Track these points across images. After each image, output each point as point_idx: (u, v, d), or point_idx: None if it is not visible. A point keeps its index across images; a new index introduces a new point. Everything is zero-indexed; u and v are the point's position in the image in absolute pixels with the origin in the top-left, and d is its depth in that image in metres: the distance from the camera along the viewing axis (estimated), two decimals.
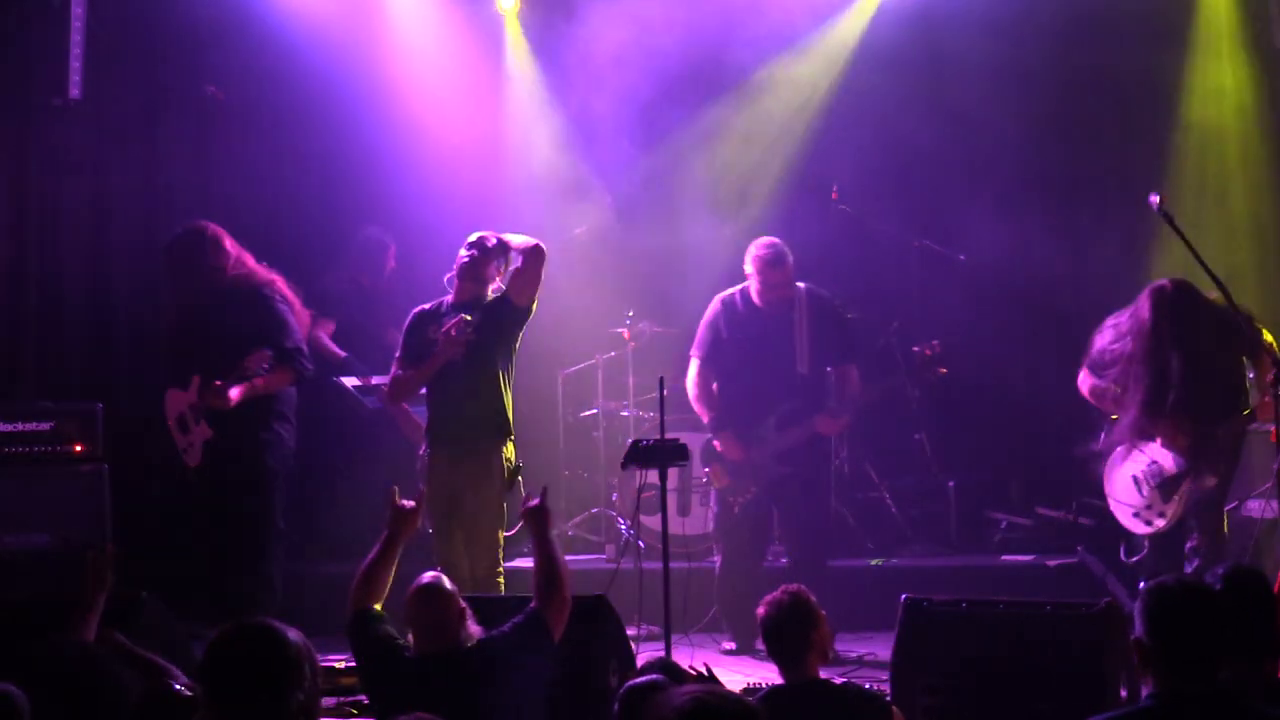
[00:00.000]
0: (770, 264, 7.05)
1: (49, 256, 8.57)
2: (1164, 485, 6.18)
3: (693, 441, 6.77)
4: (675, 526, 6.57)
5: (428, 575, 4.62)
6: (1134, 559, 6.35)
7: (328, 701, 5.62)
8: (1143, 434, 6.26)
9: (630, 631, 5.68)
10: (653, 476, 5.81)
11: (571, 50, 8.83)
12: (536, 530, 4.79)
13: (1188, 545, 6.21)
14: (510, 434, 6.53)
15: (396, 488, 4.94)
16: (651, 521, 7.60)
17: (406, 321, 6.73)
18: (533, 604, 4.70)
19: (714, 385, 7.25)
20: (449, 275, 6.62)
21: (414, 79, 8.91)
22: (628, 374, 8.55)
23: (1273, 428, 5.91)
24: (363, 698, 5.52)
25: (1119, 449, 6.39)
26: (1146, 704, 3.19)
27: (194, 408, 6.81)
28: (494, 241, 6.58)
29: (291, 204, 8.95)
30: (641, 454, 5.84)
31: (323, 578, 7.56)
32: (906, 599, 5.36)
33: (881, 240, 8.72)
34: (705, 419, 7.24)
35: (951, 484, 8.56)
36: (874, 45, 8.83)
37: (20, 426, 7.42)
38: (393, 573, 4.79)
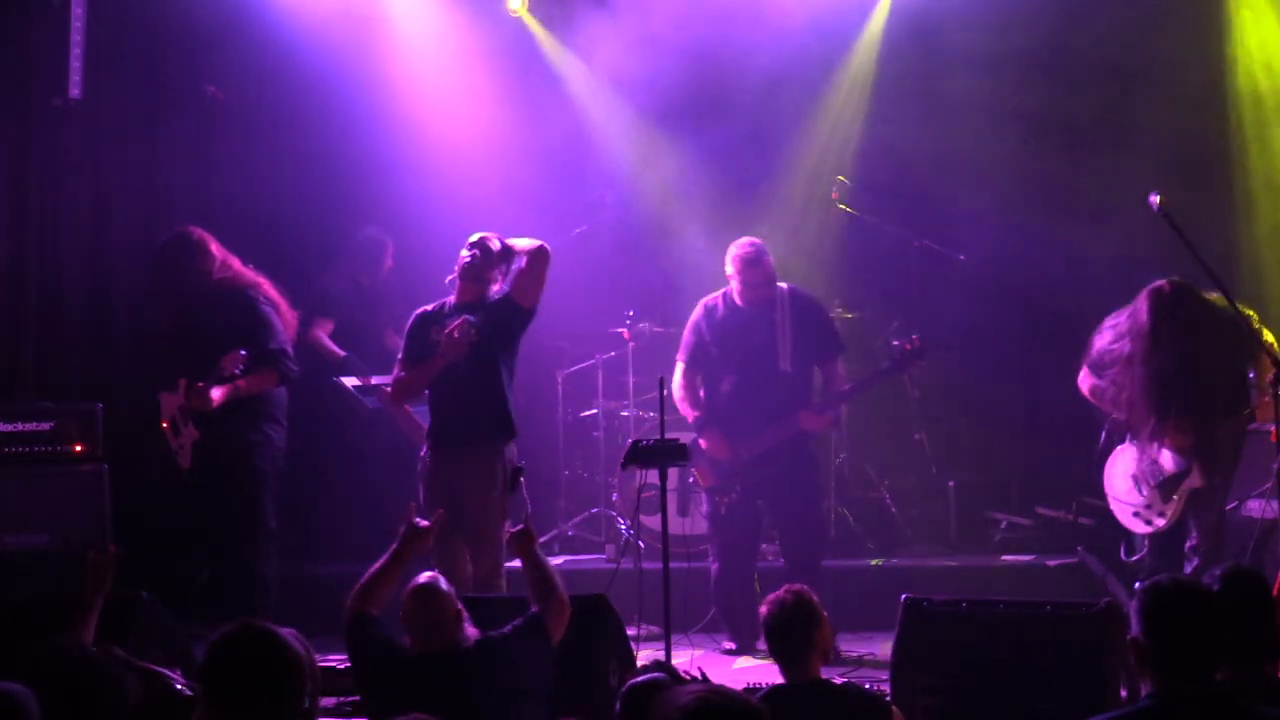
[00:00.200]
0: (749, 263, 7.08)
1: (49, 256, 8.57)
2: (1163, 485, 6.19)
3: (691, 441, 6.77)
4: (675, 526, 6.57)
5: (425, 575, 4.64)
6: (1134, 558, 6.35)
7: (327, 701, 5.62)
8: (1142, 434, 6.26)
9: (630, 631, 5.68)
10: (653, 476, 5.81)
11: (572, 50, 8.83)
12: (523, 553, 4.92)
13: (1187, 545, 6.21)
14: (513, 434, 6.53)
15: (414, 504, 5.01)
16: (651, 521, 7.60)
17: (409, 322, 6.73)
18: (533, 608, 4.73)
19: (699, 387, 7.27)
20: (450, 277, 6.62)
21: (414, 79, 8.92)
22: (628, 374, 8.56)
23: (1273, 428, 5.91)
24: None
25: (1119, 448, 6.40)
26: (1145, 704, 3.19)
27: (182, 410, 6.86)
28: (497, 245, 6.57)
29: (291, 204, 8.95)
30: (641, 454, 5.85)
31: (323, 578, 7.57)
32: (906, 599, 5.35)
33: (881, 240, 8.71)
34: (690, 419, 7.25)
35: (951, 484, 8.56)
36: (874, 45, 8.84)
37: (20, 426, 7.42)
38: (395, 585, 4.82)
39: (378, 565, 4.83)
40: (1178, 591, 3.26)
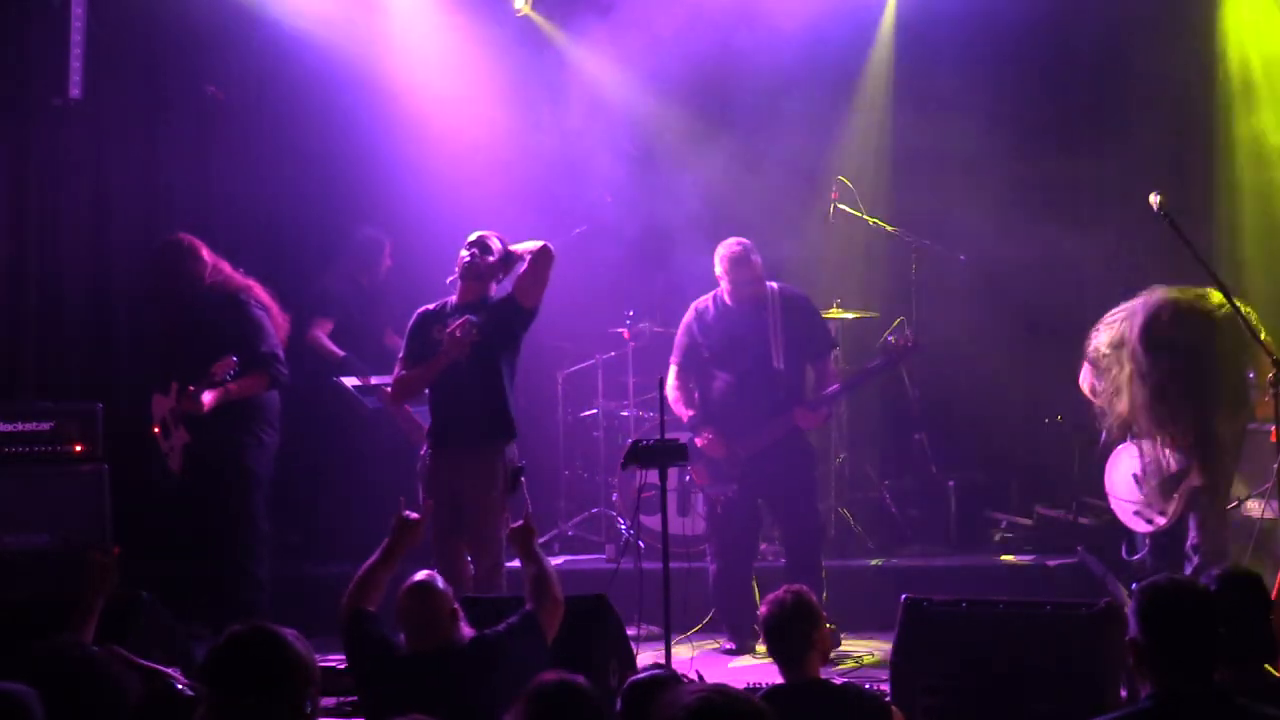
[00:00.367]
0: (737, 262, 7.10)
1: (49, 256, 8.57)
2: (1164, 483, 6.18)
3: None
4: (675, 526, 6.58)
5: (421, 573, 4.65)
6: (1135, 557, 6.35)
7: (327, 701, 5.62)
8: (1143, 433, 6.26)
9: (630, 631, 5.68)
10: (653, 476, 5.81)
11: (574, 50, 8.83)
12: (524, 548, 4.95)
13: (1187, 544, 6.20)
14: (513, 434, 6.53)
15: (404, 498, 5.01)
16: (651, 521, 7.60)
17: (410, 322, 6.73)
18: (527, 605, 4.74)
19: (693, 388, 7.28)
20: (451, 278, 6.62)
21: (414, 79, 8.91)
22: (628, 374, 8.56)
23: (1273, 428, 5.91)
24: None
25: (1119, 447, 6.39)
26: (1145, 705, 3.19)
27: (173, 412, 6.89)
28: (497, 244, 6.57)
29: (291, 204, 8.95)
30: (641, 454, 5.85)
31: (323, 578, 7.57)
32: (906, 599, 5.36)
33: (881, 240, 8.71)
34: (685, 419, 7.25)
35: (951, 484, 8.56)
36: (873, 47, 8.85)
37: (20, 426, 7.43)
38: (388, 580, 4.86)
39: (371, 561, 4.86)
40: (1175, 591, 3.26)
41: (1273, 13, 8.47)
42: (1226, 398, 6.22)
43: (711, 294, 7.30)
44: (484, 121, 8.83)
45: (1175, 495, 6.17)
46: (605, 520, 8.48)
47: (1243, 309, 6.09)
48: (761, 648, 6.55)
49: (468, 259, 6.53)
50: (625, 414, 8.58)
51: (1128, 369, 6.19)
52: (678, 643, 6.31)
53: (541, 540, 8.15)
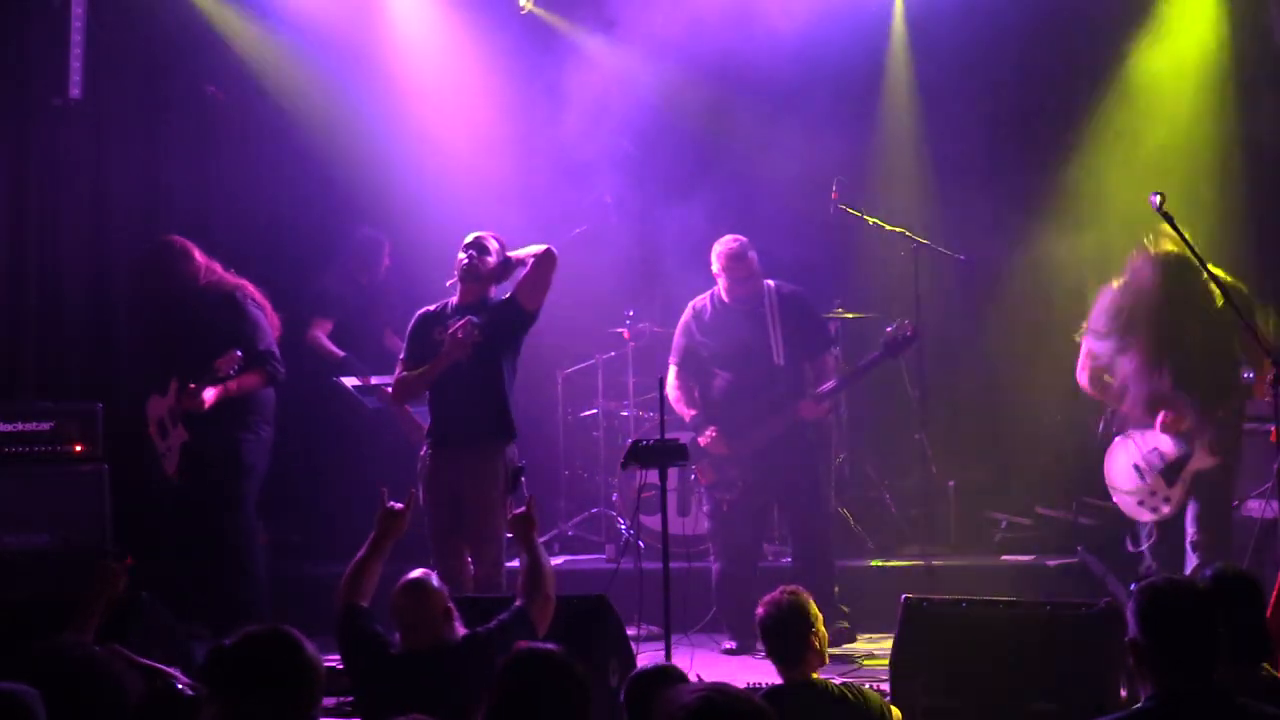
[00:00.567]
0: (734, 258, 7.12)
1: (49, 256, 8.58)
2: (1167, 470, 6.16)
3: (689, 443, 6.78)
4: (675, 526, 6.57)
5: (417, 571, 4.66)
6: (1142, 547, 6.31)
7: (327, 701, 5.62)
8: (1143, 410, 6.23)
9: (630, 631, 5.69)
10: (653, 476, 5.81)
11: (573, 50, 8.83)
12: (523, 536, 4.95)
13: (1187, 540, 6.18)
14: (513, 435, 6.54)
15: (386, 489, 5.03)
16: (651, 521, 7.61)
17: (411, 323, 6.74)
18: (518, 602, 4.76)
19: (693, 387, 7.28)
20: (451, 281, 6.64)
21: (414, 79, 8.92)
22: (628, 374, 8.56)
23: (1273, 428, 5.91)
24: None
25: (1116, 441, 6.37)
26: (1146, 705, 3.19)
27: (172, 411, 6.90)
28: (494, 244, 6.58)
29: (291, 204, 8.95)
30: (641, 454, 5.85)
31: (323, 578, 7.54)
32: (906, 599, 5.35)
33: (881, 240, 8.70)
34: (687, 418, 7.26)
35: (951, 484, 8.56)
36: (872, 45, 8.84)
37: (20, 426, 7.44)
38: (379, 571, 4.88)
39: (360, 554, 4.89)
40: (1174, 592, 3.26)
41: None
42: (1222, 378, 6.18)
43: (709, 293, 7.31)
44: (484, 121, 8.83)
45: (1179, 481, 6.15)
46: (605, 520, 8.48)
47: (1243, 288, 6.10)
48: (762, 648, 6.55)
49: (466, 261, 6.54)
50: (625, 414, 8.58)
51: (1132, 308, 6.18)
52: (678, 643, 6.30)
53: (541, 540, 8.18)
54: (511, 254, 6.61)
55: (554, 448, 8.72)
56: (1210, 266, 6.02)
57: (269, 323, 7.13)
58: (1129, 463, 6.28)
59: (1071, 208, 8.68)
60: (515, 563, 6.96)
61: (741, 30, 8.71)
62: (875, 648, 7.01)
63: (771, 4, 8.66)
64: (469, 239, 6.61)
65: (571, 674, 3.27)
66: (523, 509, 5.02)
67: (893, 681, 5.26)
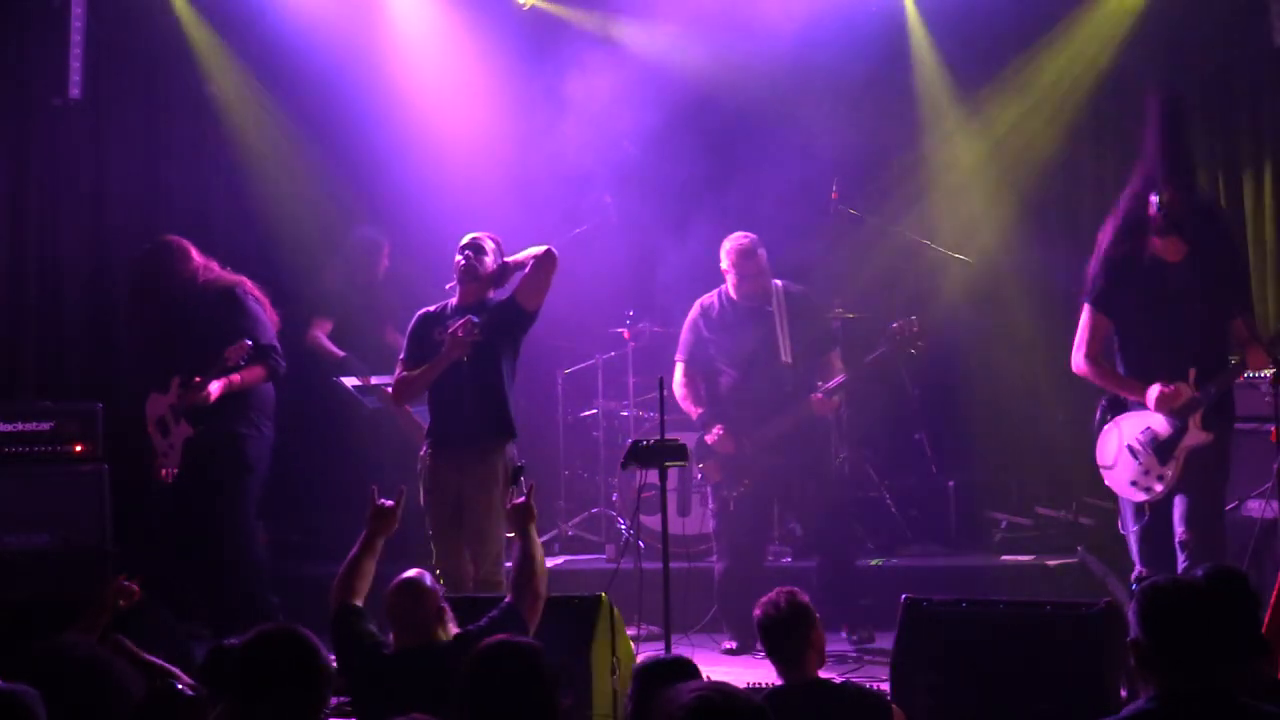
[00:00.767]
0: (745, 254, 7.15)
1: (49, 256, 8.58)
2: (1160, 448, 6.15)
3: (692, 442, 6.79)
4: (675, 526, 6.58)
5: (411, 571, 4.67)
6: (1132, 529, 6.29)
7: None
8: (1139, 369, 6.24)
9: (630, 631, 5.69)
10: (653, 476, 5.81)
11: (574, 49, 8.83)
12: (521, 526, 4.95)
13: (1176, 539, 6.16)
14: (513, 435, 6.54)
15: (375, 487, 5.06)
16: (651, 521, 7.60)
17: (410, 324, 6.76)
18: (508, 599, 4.78)
19: (700, 385, 7.29)
20: (450, 284, 6.66)
21: (414, 78, 8.92)
22: (628, 374, 8.56)
23: (1273, 428, 5.90)
24: None
25: (1107, 425, 6.35)
26: (1148, 706, 3.18)
27: (174, 408, 6.91)
28: (491, 247, 6.59)
29: (291, 204, 8.95)
30: (641, 454, 5.85)
31: (323, 578, 7.50)
32: (906, 599, 5.36)
33: (881, 239, 8.71)
34: (694, 416, 7.28)
35: (951, 484, 8.56)
36: (871, 45, 8.84)
37: (20, 426, 7.44)
38: (373, 570, 4.89)
39: (353, 553, 4.90)
40: (1175, 592, 3.26)
41: None
42: (1215, 354, 6.19)
43: (716, 291, 7.33)
44: (484, 121, 8.83)
45: (1174, 458, 6.14)
46: (605, 520, 8.48)
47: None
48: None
49: (463, 262, 6.57)
50: (625, 414, 8.58)
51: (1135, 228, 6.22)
52: (678, 643, 6.30)
53: (541, 540, 8.19)
54: (510, 258, 6.62)
55: (554, 448, 8.72)
56: None
57: (268, 318, 7.15)
58: (1121, 443, 6.26)
59: (1074, 206, 8.68)
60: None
61: (742, 30, 8.71)
62: (876, 647, 7.01)
63: (772, 4, 8.66)
64: (465, 240, 6.63)
65: (535, 664, 3.33)
66: (522, 499, 5.01)
67: (893, 681, 5.26)
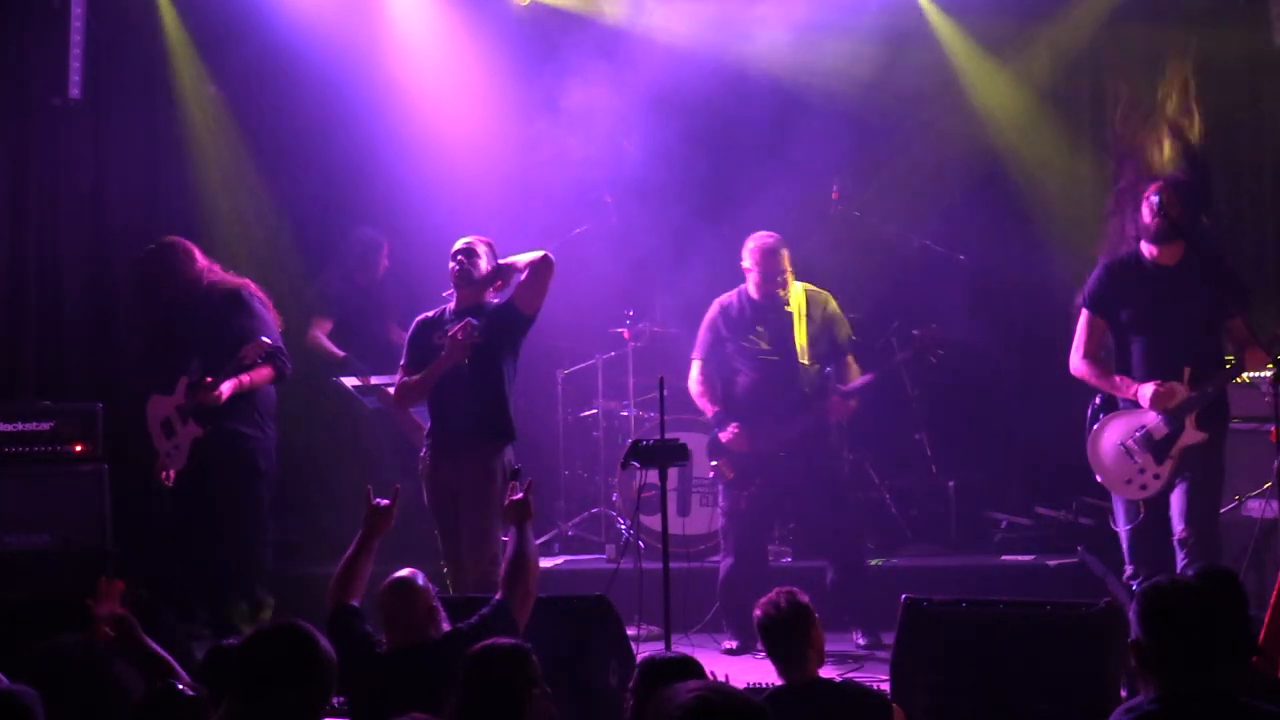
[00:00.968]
0: (769, 253, 7.16)
1: (49, 257, 8.58)
2: (1156, 447, 6.16)
3: (693, 441, 6.78)
4: (675, 526, 6.58)
5: (404, 570, 4.67)
6: (1125, 527, 6.29)
7: None
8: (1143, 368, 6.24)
9: (630, 631, 5.69)
10: (653, 476, 5.81)
11: (573, 50, 8.82)
12: (517, 522, 4.95)
13: (1175, 537, 6.16)
14: (512, 437, 6.55)
15: (371, 487, 5.06)
16: (651, 521, 7.60)
17: (410, 329, 6.80)
18: (498, 596, 4.77)
19: (717, 383, 7.29)
20: (448, 293, 6.69)
21: (414, 78, 8.91)
22: (628, 374, 8.55)
23: (1273, 428, 5.90)
24: None
25: (1098, 424, 6.36)
26: (1149, 708, 3.18)
27: (181, 409, 6.91)
28: (483, 251, 6.60)
29: (291, 204, 8.95)
30: (641, 454, 5.85)
31: (323, 578, 7.51)
32: (906, 599, 5.36)
33: (881, 240, 8.71)
34: (709, 414, 7.28)
35: (951, 484, 8.55)
36: (871, 46, 8.84)
37: (20, 426, 7.44)
38: (369, 570, 4.90)
39: (349, 553, 4.91)
40: (1175, 592, 3.26)
41: None
42: (1209, 355, 6.21)
43: (736, 290, 7.33)
44: (484, 121, 8.82)
45: (1169, 457, 6.15)
46: (605, 520, 8.48)
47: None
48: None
49: (456, 268, 6.59)
50: (625, 414, 8.58)
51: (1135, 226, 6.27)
52: (678, 643, 6.30)
53: (541, 540, 8.21)
54: (505, 260, 6.62)
55: (554, 448, 8.72)
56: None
57: (273, 320, 7.17)
58: (1116, 443, 6.27)
59: (1074, 206, 8.68)
60: None
61: (742, 30, 8.71)
62: (876, 647, 7.01)
63: (772, 5, 8.66)
64: (457, 246, 6.65)
65: (524, 666, 3.38)
66: (519, 495, 5.01)
67: (893, 681, 5.26)
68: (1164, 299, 6.18)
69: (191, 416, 6.91)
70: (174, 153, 8.76)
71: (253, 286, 7.16)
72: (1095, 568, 7.46)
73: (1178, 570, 5.97)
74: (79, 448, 7.47)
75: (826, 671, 4.60)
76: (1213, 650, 3.19)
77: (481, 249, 6.62)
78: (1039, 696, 4.98)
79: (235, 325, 6.94)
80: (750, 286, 7.25)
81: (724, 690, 2.89)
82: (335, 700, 5.71)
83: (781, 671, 4.39)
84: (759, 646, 6.43)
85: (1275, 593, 5.20)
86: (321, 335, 8.56)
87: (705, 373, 7.32)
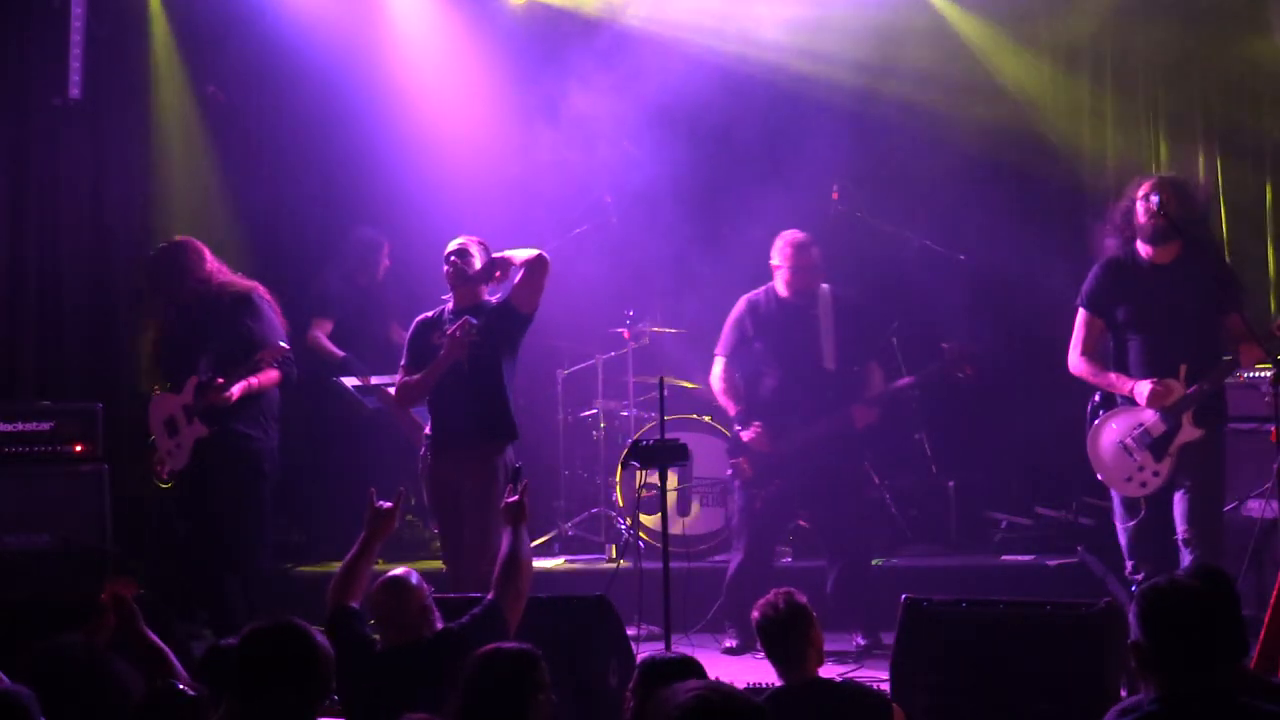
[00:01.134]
0: (801, 249, 7.12)
1: (49, 256, 8.58)
2: (1155, 445, 6.17)
3: (693, 442, 6.78)
4: (675, 526, 6.58)
5: (398, 569, 4.68)
6: (1130, 523, 6.30)
7: None
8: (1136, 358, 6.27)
9: (630, 631, 5.69)
10: (653, 476, 5.81)
11: (573, 50, 8.83)
12: (512, 523, 4.97)
13: (1179, 536, 6.17)
14: (513, 436, 6.55)
15: (374, 489, 5.06)
16: (651, 521, 7.60)
17: (409, 330, 6.80)
18: (490, 595, 4.78)
19: (739, 381, 7.28)
20: (446, 295, 6.71)
21: (414, 78, 8.92)
22: (628, 374, 8.55)
23: (1273, 428, 5.90)
24: None
25: (1097, 422, 6.36)
26: (1150, 708, 3.18)
27: (188, 408, 6.89)
28: (476, 251, 6.60)
29: (291, 204, 8.95)
30: (641, 454, 5.85)
31: (322, 578, 7.54)
32: (906, 599, 5.35)
33: (881, 240, 8.71)
34: (732, 411, 7.25)
35: (951, 484, 8.55)
36: (871, 47, 8.84)
37: (20, 426, 7.44)
38: (370, 572, 4.90)
39: (350, 554, 4.91)
40: (1175, 593, 3.26)
41: None
42: (1206, 351, 6.23)
43: (764, 288, 7.27)
44: (484, 121, 8.83)
45: (1169, 455, 6.16)
46: (605, 520, 8.48)
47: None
48: None
49: (450, 270, 6.59)
50: (625, 414, 8.57)
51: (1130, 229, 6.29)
52: (678, 643, 6.31)
53: (542, 540, 8.21)
54: (499, 254, 6.62)
55: (554, 448, 8.72)
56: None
57: (281, 324, 7.16)
58: (1115, 440, 6.28)
59: (1076, 205, 8.68)
60: None
61: (742, 30, 8.71)
62: (876, 647, 7.01)
63: (772, 6, 8.66)
64: (449, 248, 6.65)
65: (530, 670, 3.40)
66: (515, 497, 5.03)
67: (893, 681, 5.26)
68: (1160, 297, 6.20)
69: (198, 416, 6.90)
70: (173, 153, 8.77)
71: (263, 290, 7.15)
72: (1095, 568, 7.46)
73: (1178, 569, 5.97)
74: (79, 448, 7.48)
75: (826, 671, 4.60)
76: (1213, 650, 3.19)
77: (474, 248, 6.63)
78: (1039, 696, 4.98)
79: (246, 328, 6.92)
80: (779, 284, 7.20)
81: (724, 690, 2.89)
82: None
83: (781, 672, 4.39)
84: (759, 646, 6.46)
85: (1275, 593, 5.20)
86: (322, 335, 8.56)
87: (728, 370, 7.28)
